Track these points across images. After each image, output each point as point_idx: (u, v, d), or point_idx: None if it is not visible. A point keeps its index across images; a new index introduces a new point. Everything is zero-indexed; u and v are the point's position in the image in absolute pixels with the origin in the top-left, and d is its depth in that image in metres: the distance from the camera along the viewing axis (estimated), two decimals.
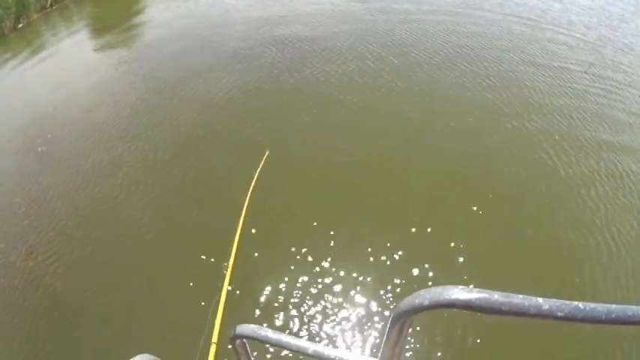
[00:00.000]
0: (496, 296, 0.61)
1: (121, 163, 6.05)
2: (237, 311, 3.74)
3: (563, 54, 8.37)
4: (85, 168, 6.06)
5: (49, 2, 12.29)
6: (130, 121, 6.87)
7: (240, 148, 5.96)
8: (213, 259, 4.20)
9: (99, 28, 11.14)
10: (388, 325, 0.81)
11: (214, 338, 1.74)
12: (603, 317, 0.58)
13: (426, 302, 0.68)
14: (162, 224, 5.10)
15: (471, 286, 0.64)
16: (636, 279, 4.29)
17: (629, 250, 4.56)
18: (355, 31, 9.16)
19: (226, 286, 2.52)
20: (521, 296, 0.60)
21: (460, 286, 0.66)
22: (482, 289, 0.63)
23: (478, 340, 3.75)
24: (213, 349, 1.72)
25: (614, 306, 0.58)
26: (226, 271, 2.46)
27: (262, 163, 4.19)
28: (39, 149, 6.51)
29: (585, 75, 7.73)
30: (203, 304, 3.58)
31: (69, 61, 9.42)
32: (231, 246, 2.87)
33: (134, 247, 4.91)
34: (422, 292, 0.71)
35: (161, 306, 4.19)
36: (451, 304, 0.65)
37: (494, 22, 9.64)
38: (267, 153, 4.92)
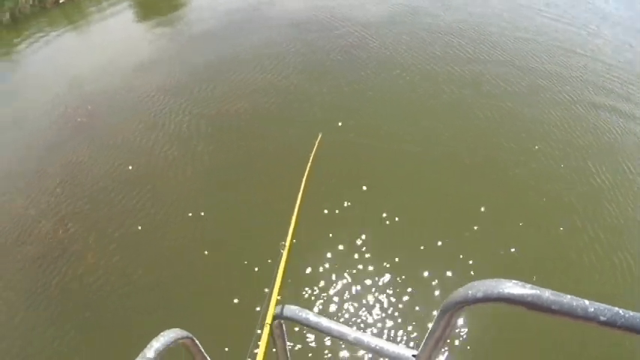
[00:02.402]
0: (547, 294, 0.61)
1: (163, 139, 5.85)
2: (290, 295, 3.70)
3: None
4: (123, 141, 5.88)
5: None
6: (174, 96, 6.70)
7: (295, 129, 5.71)
8: (268, 240, 4.00)
9: (143, 4, 11.02)
10: (436, 316, 0.80)
11: (268, 319, 1.45)
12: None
13: (480, 294, 0.68)
14: (205, 202, 4.85)
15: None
16: None
17: None
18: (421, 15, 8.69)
19: (282, 269, 2.16)
20: (569, 296, 0.60)
21: (513, 281, 0.65)
22: (534, 286, 0.62)
23: (507, 338, 3.48)
24: (266, 330, 1.51)
25: None
26: (283, 251, 2.16)
27: (316, 145, 3.99)
28: (78, 120, 6.35)
29: None
30: (257, 286, 3.48)
31: (112, 36, 9.35)
32: (288, 228, 2.57)
33: (174, 224, 4.66)
34: (475, 283, 0.70)
35: (201, 286, 3.98)
36: (504, 299, 0.64)
37: None
38: (320, 135, 4.68)
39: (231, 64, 7.40)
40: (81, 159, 5.65)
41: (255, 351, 1.55)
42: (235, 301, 3.79)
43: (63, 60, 8.49)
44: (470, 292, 0.69)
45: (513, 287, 0.63)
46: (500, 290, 0.64)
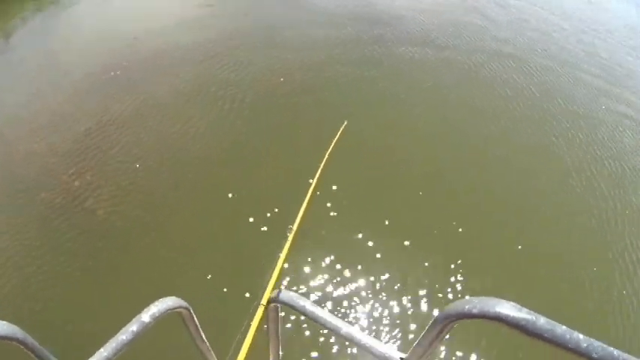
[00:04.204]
0: (542, 321, 0.62)
1: (196, 102, 5.73)
2: (289, 280, 3.65)
3: None
4: (155, 101, 5.76)
5: None
6: (212, 62, 6.58)
7: (319, 113, 5.62)
8: (277, 222, 4.05)
9: None
10: (429, 324, 0.81)
11: (264, 301, 1.49)
12: None
13: (475, 310, 0.68)
14: (225, 173, 4.73)
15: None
16: None
17: None
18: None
19: (285, 253, 2.06)
20: (564, 327, 0.61)
21: (512, 302, 0.66)
22: (531, 311, 0.64)
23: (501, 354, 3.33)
24: (260, 310, 1.54)
25: None
26: (289, 235, 1.99)
27: (339, 133, 3.91)
28: (112, 73, 6.27)
29: None
30: (259, 264, 3.27)
31: None
32: (297, 214, 2.46)
33: (193, 190, 4.53)
34: (473, 299, 0.70)
35: (210, 258, 3.84)
36: (498, 318, 0.65)
37: None
38: (345, 123, 4.63)
39: (271, 35, 7.33)
40: (110, 112, 5.54)
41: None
42: (237, 278, 3.64)
43: (103, 16, 8.41)
44: (467, 306, 0.70)
45: (510, 309, 0.65)
46: (498, 310, 0.65)
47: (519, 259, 4.11)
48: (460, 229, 4.26)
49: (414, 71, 6.75)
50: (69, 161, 4.94)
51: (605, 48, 8.66)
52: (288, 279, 3.68)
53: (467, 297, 0.72)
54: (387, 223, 4.24)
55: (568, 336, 0.59)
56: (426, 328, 0.82)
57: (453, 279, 3.82)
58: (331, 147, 3.78)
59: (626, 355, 0.57)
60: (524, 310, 0.64)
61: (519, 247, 4.20)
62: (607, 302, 3.88)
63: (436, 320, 0.78)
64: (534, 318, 0.62)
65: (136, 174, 4.73)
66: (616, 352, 0.58)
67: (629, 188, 5.12)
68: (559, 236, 4.44)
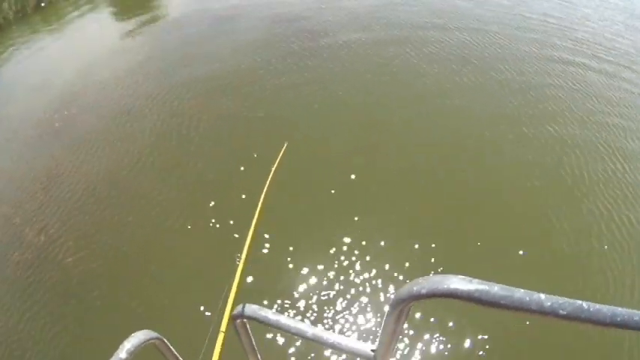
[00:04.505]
0: (496, 289, 0.59)
1: (137, 141, 5.94)
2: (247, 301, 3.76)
3: None
4: (100, 145, 5.97)
5: None
6: (149, 99, 6.76)
7: (258, 137, 5.79)
8: (226, 248, 3.94)
9: (123, 8, 11.09)
10: (386, 312, 0.80)
11: (223, 327, 1.65)
12: (608, 320, 0.54)
13: (424, 291, 0.66)
14: (174, 207, 4.96)
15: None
16: None
17: None
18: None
19: (238, 277, 2.35)
20: (522, 291, 0.58)
21: (460, 276, 0.63)
22: (483, 281, 0.60)
23: (478, 330, 3.60)
24: (221, 337, 1.65)
25: (619, 309, 0.55)
26: (239, 262, 2.32)
27: (280, 154, 4.08)
28: (56, 125, 6.45)
29: None
30: (214, 292, 3.51)
31: (90, 39, 9.40)
32: (246, 237, 2.71)
33: (146, 226, 4.80)
34: (420, 279, 0.68)
35: (171, 289, 4.10)
36: (449, 294, 0.62)
37: None
38: (285, 145, 4.80)
39: (208, 62, 7.52)
40: (60, 164, 5.75)
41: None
42: (203, 306, 3.87)
43: (42, 66, 8.53)
44: (415, 288, 0.68)
45: (459, 282, 0.61)
46: (446, 286, 0.62)
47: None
48: (417, 245, 4.36)
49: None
50: (32, 218, 5.15)
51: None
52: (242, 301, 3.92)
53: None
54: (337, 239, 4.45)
55: (528, 298, 0.56)
56: (384, 317, 0.82)
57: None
58: (272, 171, 4.00)
59: (598, 305, 0.55)
60: (475, 280, 0.61)
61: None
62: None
63: (391, 307, 0.76)
64: (487, 287, 0.59)
65: (95, 217, 4.98)
66: (585, 303, 0.55)
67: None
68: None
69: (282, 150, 4.57)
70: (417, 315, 3.70)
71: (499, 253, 4.28)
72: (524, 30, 8.43)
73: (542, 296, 0.56)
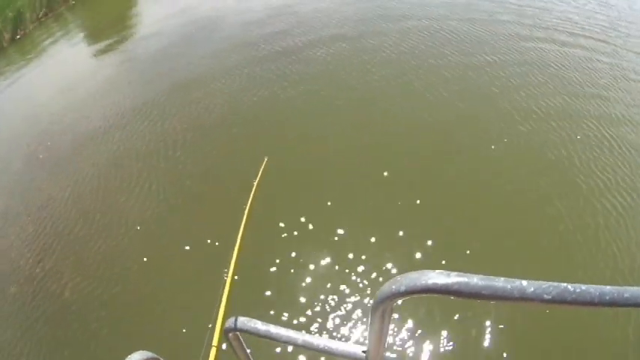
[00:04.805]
0: (475, 280, 0.57)
1: (123, 166, 5.99)
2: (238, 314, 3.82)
3: None
4: (85, 173, 6.03)
5: (42, 12, 12.32)
6: (129, 123, 6.80)
7: (239, 153, 5.81)
8: (214, 264, 4.02)
9: (95, 32, 11.14)
10: (370, 313, 0.79)
11: (214, 342, 1.70)
12: (596, 300, 0.53)
13: (403, 288, 0.65)
14: (162, 229, 5.03)
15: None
16: None
17: None
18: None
19: (226, 292, 2.45)
20: (503, 279, 0.56)
21: (437, 271, 0.62)
22: (461, 273, 0.59)
23: (470, 321, 3.65)
24: (213, 352, 1.78)
25: (608, 287, 0.54)
26: (227, 277, 2.39)
27: (262, 169, 4.13)
28: (40, 156, 6.50)
29: None
30: (204, 308, 3.46)
31: (67, 67, 9.41)
32: (232, 253, 2.78)
33: (136, 250, 4.86)
34: (398, 277, 0.67)
35: (164, 309, 4.18)
36: (428, 290, 0.61)
37: None
38: (265, 159, 4.86)
39: (180, 86, 7.50)
40: (48, 195, 5.80)
41: None
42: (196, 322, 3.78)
43: (21, 97, 8.57)
44: (393, 287, 0.67)
45: (437, 277, 0.60)
46: (424, 282, 0.61)
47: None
48: (395, 256, 4.37)
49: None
50: (27, 250, 5.21)
51: None
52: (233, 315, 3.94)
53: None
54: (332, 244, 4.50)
55: (509, 286, 0.55)
56: (369, 317, 0.81)
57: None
58: (254, 187, 3.93)
59: (584, 286, 0.54)
60: (453, 273, 0.60)
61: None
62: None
63: (373, 307, 0.76)
64: (466, 279, 0.58)
65: (89, 246, 5.03)
66: (570, 286, 0.54)
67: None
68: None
69: (263, 164, 4.66)
70: (412, 310, 3.74)
71: (497, 247, 4.32)
72: (500, 15, 8.51)
73: (525, 282, 0.55)
